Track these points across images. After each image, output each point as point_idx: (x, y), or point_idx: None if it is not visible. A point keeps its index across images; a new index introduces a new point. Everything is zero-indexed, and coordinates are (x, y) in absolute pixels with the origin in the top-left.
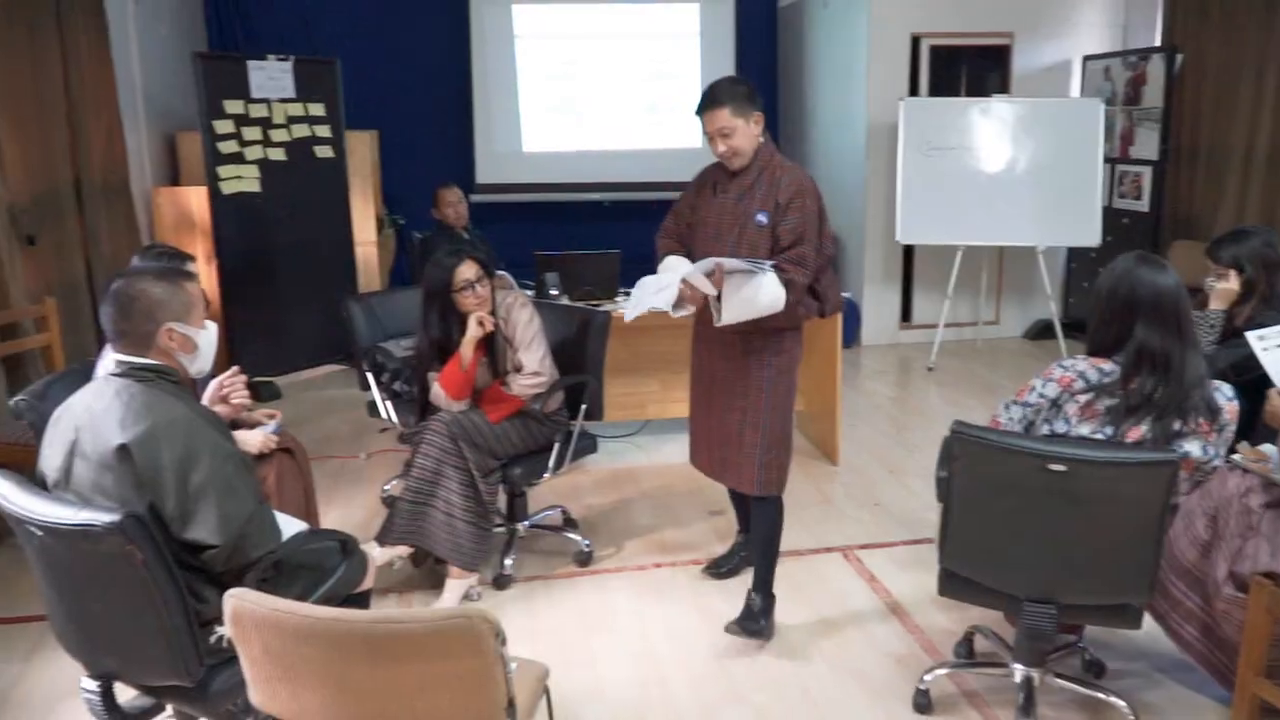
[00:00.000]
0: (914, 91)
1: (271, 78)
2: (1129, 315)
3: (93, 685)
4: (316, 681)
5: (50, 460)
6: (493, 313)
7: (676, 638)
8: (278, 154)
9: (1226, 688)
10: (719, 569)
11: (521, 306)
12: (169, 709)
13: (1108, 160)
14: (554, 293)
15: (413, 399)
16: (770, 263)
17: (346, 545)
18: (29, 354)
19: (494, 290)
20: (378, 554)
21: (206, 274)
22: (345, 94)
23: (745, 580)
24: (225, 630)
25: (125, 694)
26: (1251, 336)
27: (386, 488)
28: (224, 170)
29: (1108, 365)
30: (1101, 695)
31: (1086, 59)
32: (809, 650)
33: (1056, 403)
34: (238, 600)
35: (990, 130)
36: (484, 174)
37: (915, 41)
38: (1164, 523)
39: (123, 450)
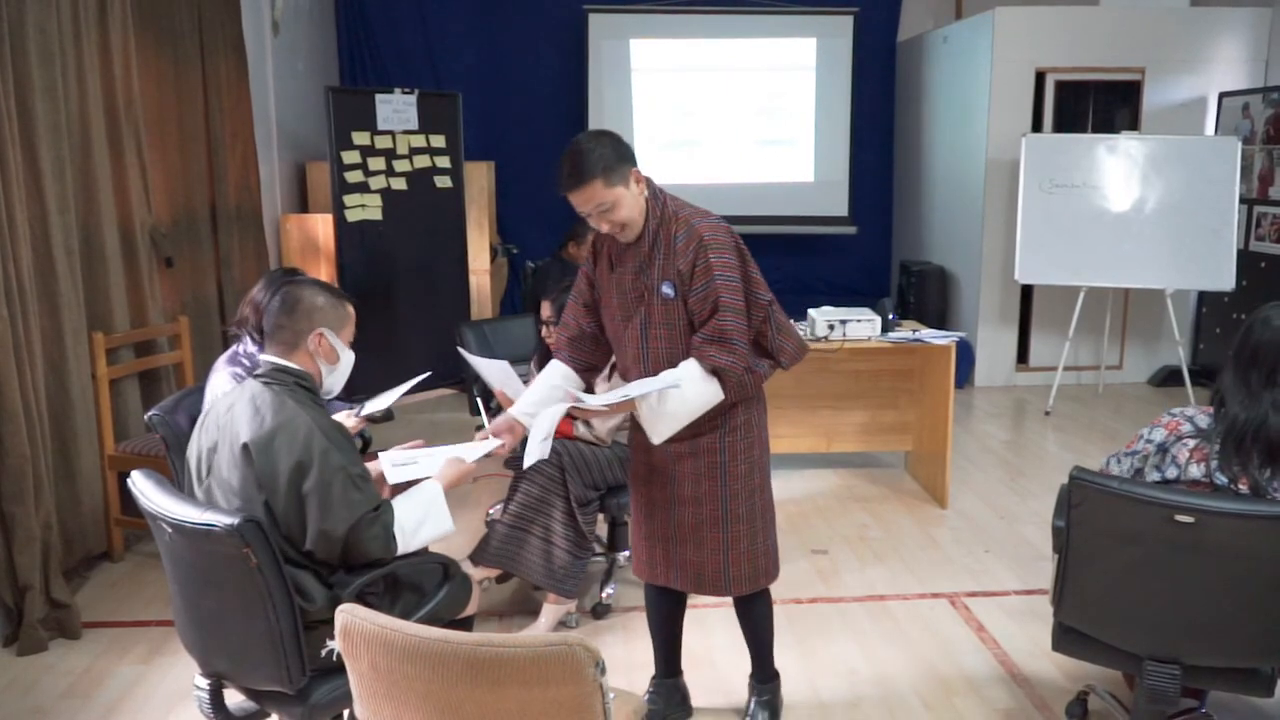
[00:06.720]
0: (1037, 127)
1: (397, 110)
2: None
3: (204, 683)
4: (419, 701)
5: (197, 454)
6: None
7: None
8: (399, 183)
9: None
10: None
11: None
12: (274, 717)
13: (1244, 201)
14: None
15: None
16: (675, 373)
17: (448, 569)
18: (163, 370)
19: None
20: (469, 573)
21: None
22: (464, 125)
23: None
24: (335, 644)
25: (233, 698)
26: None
27: (492, 512)
28: (349, 199)
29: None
30: None
31: (1223, 95)
32: (911, 700)
33: (1164, 447)
34: (348, 615)
35: (1118, 168)
36: None
37: (1040, 77)
38: None
39: (245, 450)
